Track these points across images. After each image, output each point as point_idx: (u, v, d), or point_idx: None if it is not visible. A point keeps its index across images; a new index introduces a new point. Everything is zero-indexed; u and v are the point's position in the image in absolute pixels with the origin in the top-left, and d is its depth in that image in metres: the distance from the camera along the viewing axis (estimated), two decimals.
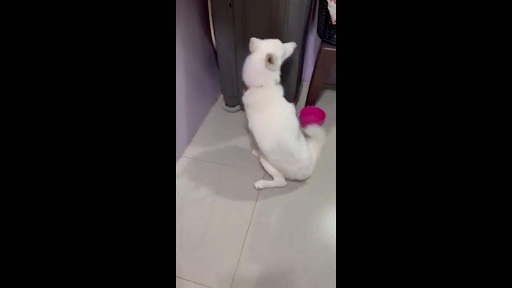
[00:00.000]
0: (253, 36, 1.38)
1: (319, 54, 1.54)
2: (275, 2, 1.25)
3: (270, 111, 1.19)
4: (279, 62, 1.13)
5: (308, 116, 1.70)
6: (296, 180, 1.38)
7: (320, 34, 1.52)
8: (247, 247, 1.17)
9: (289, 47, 1.20)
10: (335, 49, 1.46)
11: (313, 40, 1.82)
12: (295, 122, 1.24)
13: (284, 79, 1.23)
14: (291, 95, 1.59)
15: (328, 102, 1.87)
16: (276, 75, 1.17)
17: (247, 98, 1.20)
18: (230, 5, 1.30)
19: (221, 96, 1.82)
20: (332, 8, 1.29)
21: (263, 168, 1.40)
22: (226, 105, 1.82)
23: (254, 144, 1.42)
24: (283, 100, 1.21)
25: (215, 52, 1.58)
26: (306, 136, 1.45)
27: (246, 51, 1.46)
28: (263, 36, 1.37)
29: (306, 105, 1.77)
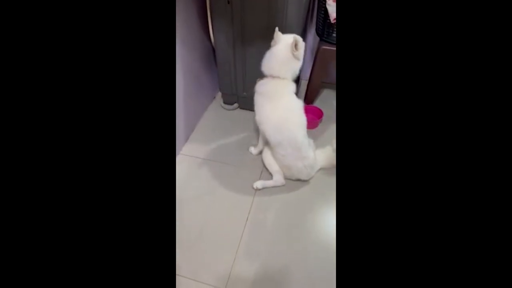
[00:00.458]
0: (252, 34, 1.39)
1: (317, 53, 1.54)
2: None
3: (283, 104, 1.20)
4: (302, 50, 1.14)
5: (306, 114, 1.70)
6: (297, 180, 1.38)
7: (319, 32, 1.52)
8: (243, 244, 1.18)
9: (301, 40, 1.18)
10: (333, 48, 1.47)
11: (311, 39, 1.82)
12: (304, 119, 1.26)
13: None
14: None
15: (326, 101, 1.88)
16: (297, 67, 1.18)
17: (261, 87, 1.21)
18: (228, 2, 1.30)
19: (220, 93, 1.82)
20: (330, 6, 1.29)
21: (263, 165, 1.40)
22: (224, 102, 1.82)
23: (261, 138, 1.42)
24: (295, 96, 1.24)
25: (214, 50, 1.58)
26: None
27: (244, 49, 1.46)
28: (261, 34, 1.37)
29: (304, 104, 1.77)
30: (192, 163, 1.50)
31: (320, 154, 1.42)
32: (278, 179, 1.35)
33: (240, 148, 1.57)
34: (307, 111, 1.71)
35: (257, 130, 1.49)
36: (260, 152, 1.47)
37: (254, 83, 1.27)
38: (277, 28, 1.15)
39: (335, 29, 1.41)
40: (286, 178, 1.38)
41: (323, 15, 1.40)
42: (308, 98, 1.75)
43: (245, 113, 1.78)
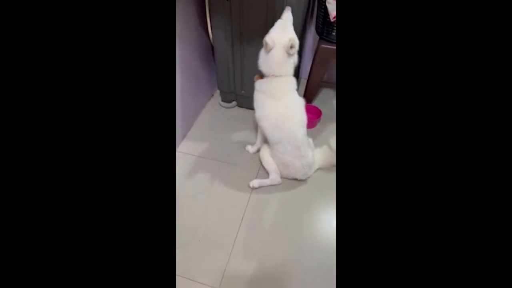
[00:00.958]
0: (250, 32, 1.38)
1: (316, 51, 1.53)
2: None
3: (284, 102, 1.19)
4: (297, 41, 1.11)
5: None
6: (294, 179, 1.38)
7: (318, 31, 1.51)
8: (238, 243, 1.17)
9: (288, 15, 1.13)
10: (332, 47, 1.46)
11: (311, 37, 1.81)
12: (305, 117, 1.25)
13: None
14: None
15: (325, 100, 1.87)
16: (295, 59, 1.15)
17: (263, 85, 1.20)
18: None
19: (218, 91, 1.81)
20: (330, 4, 1.28)
21: (260, 163, 1.39)
22: (223, 100, 1.81)
23: (260, 135, 1.42)
24: (296, 93, 1.22)
25: (212, 47, 1.56)
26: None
27: (243, 46, 1.45)
28: (260, 32, 1.36)
29: None
30: (189, 161, 1.50)
31: (317, 154, 1.41)
32: (274, 177, 1.35)
33: (238, 147, 1.56)
34: (306, 110, 1.71)
35: (255, 128, 1.48)
36: (258, 151, 1.46)
37: (252, 82, 1.26)
38: (266, 39, 1.09)
39: (335, 28, 1.40)
40: (282, 177, 1.37)
41: (323, 14, 1.39)
42: (307, 97, 1.74)
43: (243, 111, 1.77)
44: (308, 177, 1.39)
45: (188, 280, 1.07)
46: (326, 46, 1.47)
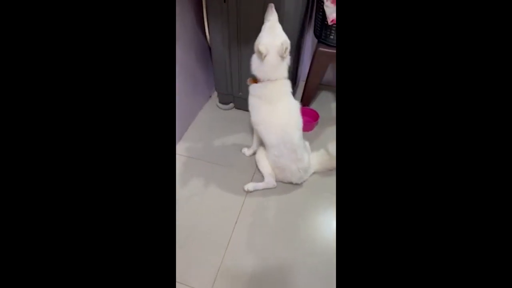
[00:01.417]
0: (247, 34, 1.37)
1: (314, 54, 1.52)
2: None
3: (280, 105, 1.18)
4: (288, 41, 1.09)
5: (302, 117, 1.68)
6: (289, 183, 1.37)
7: (317, 34, 1.50)
8: (231, 247, 1.16)
9: (273, 15, 1.10)
10: (330, 50, 1.45)
11: (310, 40, 1.80)
12: (301, 120, 1.24)
13: None
14: None
15: (323, 103, 1.86)
16: (288, 60, 1.14)
17: (258, 90, 1.18)
18: (224, 1, 1.28)
19: (216, 92, 1.80)
20: (328, 8, 1.27)
21: (256, 166, 1.38)
22: (220, 102, 1.80)
23: (256, 138, 1.41)
24: (292, 96, 1.22)
25: (210, 48, 1.56)
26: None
27: (240, 48, 1.44)
28: (257, 34, 1.35)
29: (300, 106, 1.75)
30: (184, 163, 1.49)
31: (314, 158, 1.40)
32: (269, 181, 1.34)
33: (234, 149, 1.55)
34: (303, 113, 1.69)
35: (252, 130, 1.47)
36: (254, 154, 1.45)
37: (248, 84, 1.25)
38: (260, 48, 1.06)
39: (333, 31, 1.39)
40: (278, 180, 1.36)
41: (321, 17, 1.38)
42: (305, 100, 1.73)
43: (241, 113, 1.76)
44: (304, 181, 1.38)
45: (180, 284, 1.06)
46: (324, 49, 1.46)
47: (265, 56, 1.08)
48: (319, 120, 1.67)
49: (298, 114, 1.22)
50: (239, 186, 1.36)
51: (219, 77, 1.63)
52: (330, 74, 1.94)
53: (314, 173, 1.41)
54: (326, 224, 1.26)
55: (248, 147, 1.51)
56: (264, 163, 1.34)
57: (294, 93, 1.81)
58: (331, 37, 1.41)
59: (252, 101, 1.23)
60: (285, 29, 1.29)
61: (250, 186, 1.34)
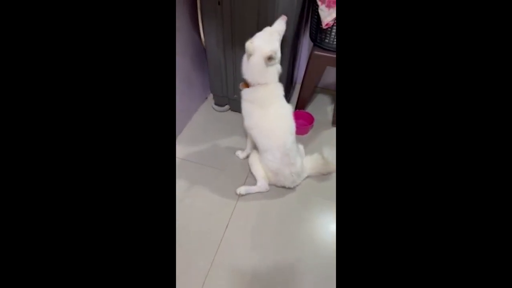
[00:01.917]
0: (242, 35, 1.36)
1: (310, 57, 1.51)
2: (264, 2, 1.22)
3: (272, 110, 1.17)
4: (278, 54, 1.09)
5: (297, 120, 1.67)
6: (282, 187, 1.36)
7: (312, 37, 1.49)
8: (221, 251, 1.15)
9: (280, 25, 1.11)
10: (325, 53, 1.44)
11: (306, 43, 1.79)
12: (293, 124, 1.23)
13: None
14: None
15: (319, 107, 1.85)
16: (278, 68, 1.14)
17: (250, 94, 1.18)
18: (219, 3, 1.27)
19: (211, 94, 1.80)
20: (323, 11, 1.26)
21: (249, 169, 1.37)
22: (216, 104, 1.80)
23: (249, 141, 1.40)
24: (284, 100, 1.21)
25: (205, 50, 1.55)
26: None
27: (235, 50, 1.44)
28: (253, 36, 1.34)
29: (296, 109, 1.74)
30: (177, 165, 1.48)
31: (308, 162, 1.39)
32: (262, 185, 1.33)
33: (228, 151, 1.55)
34: (298, 116, 1.69)
35: (246, 134, 1.47)
36: (247, 156, 1.45)
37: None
38: (247, 44, 1.07)
39: (328, 35, 1.38)
40: (271, 184, 1.36)
41: (316, 20, 1.37)
42: (300, 103, 1.72)
43: (236, 115, 1.75)
44: (297, 185, 1.37)
45: None
46: (319, 52, 1.45)
47: (250, 56, 1.08)
48: (314, 123, 1.66)
49: (290, 118, 1.21)
50: (231, 190, 1.35)
51: (214, 79, 1.62)
52: (326, 78, 1.94)
53: (307, 177, 1.40)
54: (318, 228, 1.25)
55: (242, 149, 1.51)
56: (257, 166, 1.33)
57: (290, 95, 1.83)
58: (326, 40, 1.40)
59: (245, 105, 1.22)
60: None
61: (242, 189, 1.33)
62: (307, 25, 1.66)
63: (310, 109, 1.81)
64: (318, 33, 1.42)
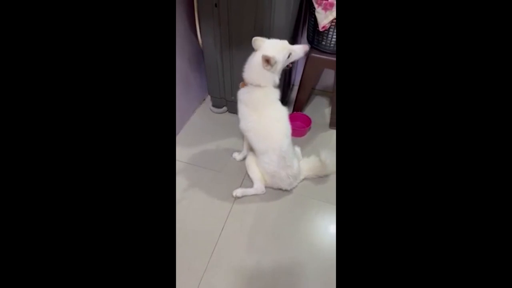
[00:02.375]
0: (239, 38, 1.37)
1: (307, 59, 1.51)
2: (261, 3, 1.22)
3: (267, 113, 1.17)
4: (279, 66, 1.10)
5: (295, 122, 1.68)
6: (278, 189, 1.35)
7: (309, 40, 1.50)
8: (217, 254, 1.15)
9: (298, 50, 1.13)
10: (322, 56, 1.44)
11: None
12: (289, 127, 1.22)
13: None
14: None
15: (316, 108, 1.85)
16: (275, 77, 1.13)
17: (244, 95, 1.18)
18: (216, 5, 1.28)
19: (209, 96, 1.79)
20: (319, 14, 1.26)
21: (246, 171, 1.37)
22: (213, 105, 1.79)
23: (246, 143, 1.40)
24: (279, 103, 1.20)
25: (203, 52, 1.55)
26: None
27: (232, 52, 1.44)
28: (249, 38, 1.34)
29: (293, 111, 1.74)
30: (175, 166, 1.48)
31: (304, 164, 1.39)
32: (258, 187, 1.33)
33: (225, 153, 1.54)
34: (295, 118, 1.69)
35: (243, 135, 1.46)
36: (244, 158, 1.44)
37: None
38: (255, 37, 1.10)
39: (325, 37, 1.38)
40: (267, 186, 1.35)
41: (313, 23, 1.38)
42: (298, 105, 1.72)
43: (234, 117, 1.74)
44: (294, 187, 1.36)
45: None
46: (316, 55, 1.45)
47: (255, 50, 1.09)
48: (312, 125, 1.66)
49: (286, 121, 1.21)
50: (227, 192, 1.35)
51: (212, 81, 1.62)
52: (323, 80, 1.94)
53: (304, 179, 1.40)
54: (316, 230, 1.24)
55: (239, 151, 1.50)
56: (254, 168, 1.33)
57: (287, 97, 1.82)
58: (323, 43, 1.40)
59: (241, 108, 1.22)
60: (276, 32, 1.29)
61: (238, 192, 1.33)
62: (304, 28, 1.66)
63: (307, 111, 1.81)
64: (315, 35, 1.42)
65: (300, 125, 1.68)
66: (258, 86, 1.13)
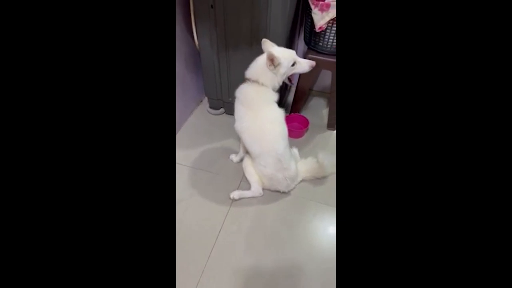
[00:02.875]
0: (235, 39, 1.36)
1: None
2: (257, 5, 1.21)
3: (262, 114, 1.16)
4: (281, 69, 1.11)
5: (292, 123, 1.67)
6: (276, 191, 1.35)
7: (306, 41, 1.49)
8: (213, 257, 1.14)
9: (303, 63, 1.16)
10: (320, 56, 1.43)
11: (301, 46, 1.78)
12: (286, 129, 1.21)
13: None
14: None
15: (314, 110, 1.84)
16: (275, 81, 1.14)
17: (241, 91, 1.18)
18: (212, 6, 1.27)
19: (206, 98, 1.79)
20: (316, 15, 1.26)
21: (244, 173, 1.36)
22: (210, 107, 1.79)
23: (242, 145, 1.39)
24: (276, 105, 1.19)
25: (199, 53, 1.54)
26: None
27: (228, 53, 1.43)
28: (245, 39, 1.34)
29: (290, 112, 1.73)
30: None
31: (302, 166, 1.38)
32: (256, 189, 1.32)
33: (222, 155, 1.53)
34: (293, 119, 1.69)
35: (239, 137, 1.46)
36: (241, 160, 1.43)
37: None
38: (264, 39, 1.13)
39: (322, 38, 1.38)
40: (265, 188, 1.34)
41: (309, 24, 1.37)
42: (295, 106, 1.72)
43: (231, 118, 1.71)
44: (291, 189, 1.35)
45: None
46: (313, 56, 1.45)
47: (263, 49, 1.13)
48: (309, 126, 1.65)
49: (282, 123, 1.20)
50: (225, 194, 1.34)
51: (209, 82, 1.61)
52: (320, 81, 1.93)
53: (302, 181, 1.39)
54: (314, 232, 1.23)
55: (237, 153, 1.49)
56: (251, 171, 1.32)
57: (285, 98, 1.82)
58: (320, 44, 1.40)
59: (237, 106, 1.21)
60: (273, 34, 1.29)
61: (235, 194, 1.32)
62: (301, 29, 1.66)
63: (305, 112, 1.81)
64: (312, 36, 1.41)
65: (297, 126, 1.67)
66: (257, 82, 1.13)
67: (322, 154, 1.40)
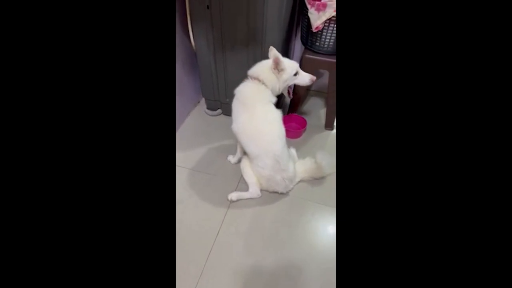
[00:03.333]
0: (231, 40, 1.36)
1: (301, 60, 1.50)
2: (253, 5, 1.21)
3: (259, 114, 1.16)
4: (284, 75, 1.15)
5: (290, 123, 1.67)
6: (274, 192, 1.34)
7: (303, 41, 1.49)
8: (212, 257, 1.13)
9: (305, 76, 1.21)
10: (316, 56, 1.43)
11: (298, 46, 1.78)
12: (283, 130, 1.21)
13: None
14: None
15: (312, 110, 1.84)
16: (275, 84, 1.16)
17: (239, 88, 1.19)
18: (208, 7, 1.26)
19: (204, 99, 1.78)
20: (312, 15, 1.25)
21: (242, 175, 1.35)
22: (208, 108, 1.78)
23: (240, 146, 1.38)
24: (273, 106, 1.19)
25: (196, 54, 1.54)
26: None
27: (225, 54, 1.43)
28: (241, 40, 1.34)
29: (288, 112, 1.73)
30: None
31: (300, 166, 1.38)
32: (254, 191, 1.31)
33: (220, 156, 1.53)
34: (290, 120, 1.68)
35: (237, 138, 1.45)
36: (239, 161, 1.43)
37: None
38: (271, 47, 1.16)
39: (318, 38, 1.37)
40: (263, 189, 1.34)
41: (306, 24, 1.37)
42: (293, 106, 1.71)
43: (229, 119, 1.70)
44: (290, 190, 1.35)
45: None
46: (310, 56, 1.45)
47: (270, 51, 1.15)
48: (307, 126, 1.65)
49: (279, 123, 1.19)
50: (223, 195, 1.33)
51: (206, 83, 1.61)
52: (318, 81, 1.92)
53: (300, 181, 1.38)
54: (313, 232, 1.23)
55: (234, 154, 1.49)
56: (248, 172, 1.31)
57: (282, 98, 1.81)
58: (317, 44, 1.40)
59: (234, 105, 1.21)
60: (269, 34, 1.29)
61: (233, 195, 1.31)
62: (298, 29, 1.66)
63: (302, 112, 1.80)
64: (308, 36, 1.41)
65: (295, 127, 1.67)
66: (257, 79, 1.14)
67: (320, 154, 1.39)
